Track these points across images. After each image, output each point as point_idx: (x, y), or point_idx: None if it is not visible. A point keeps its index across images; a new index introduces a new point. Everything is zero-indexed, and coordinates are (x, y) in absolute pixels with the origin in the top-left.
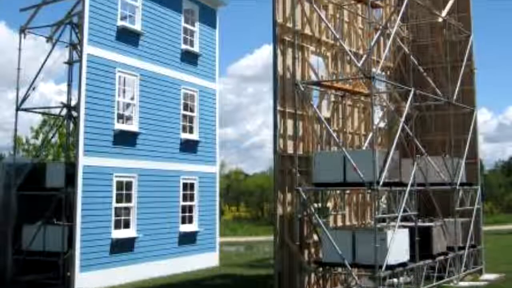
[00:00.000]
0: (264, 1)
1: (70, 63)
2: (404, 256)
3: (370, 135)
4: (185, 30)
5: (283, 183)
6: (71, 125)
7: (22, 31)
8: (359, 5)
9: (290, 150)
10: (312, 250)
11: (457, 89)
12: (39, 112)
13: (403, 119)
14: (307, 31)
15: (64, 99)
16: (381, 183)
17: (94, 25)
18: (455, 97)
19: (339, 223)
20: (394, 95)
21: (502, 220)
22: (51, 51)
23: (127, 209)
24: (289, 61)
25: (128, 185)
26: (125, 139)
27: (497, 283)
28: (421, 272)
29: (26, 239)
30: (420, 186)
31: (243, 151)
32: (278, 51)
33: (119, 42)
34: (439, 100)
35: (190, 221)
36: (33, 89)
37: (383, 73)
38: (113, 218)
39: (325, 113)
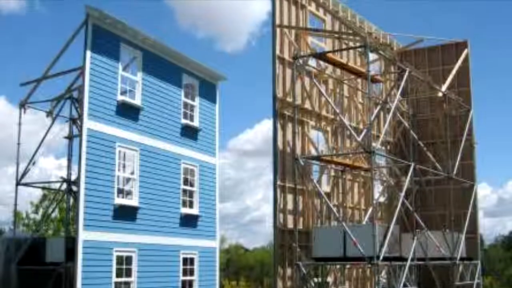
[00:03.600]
0: (265, 75)
1: (70, 137)
2: None
3: (370, 209)
4: (185, 105)
5: (283, 258)
6: (71, 200)
7: (22, 105)
8: (359, 80)
9: (290, 224)
10: None
11: (457, 163)
12: (39, 187)
13: (403, 193)
14: (307, 105)
15: (64, 173)
16: (381, 257)
17: (94, 100)
18: (455, 171)
19: None
20: (394, 169)
21: None
22: (51, 126)
23: (127, 284)
24: (289, 136)
25: (128, 260)
26: (125, 214)
27: None
28: None
29: None
30: (420, 260)
31: (243, 226)
32: (278, 126)
33: (119, 117)
34: (439, 175)
35: None
36: (33, 163)
37: (383, 148)
38: None
39: (325, 187)
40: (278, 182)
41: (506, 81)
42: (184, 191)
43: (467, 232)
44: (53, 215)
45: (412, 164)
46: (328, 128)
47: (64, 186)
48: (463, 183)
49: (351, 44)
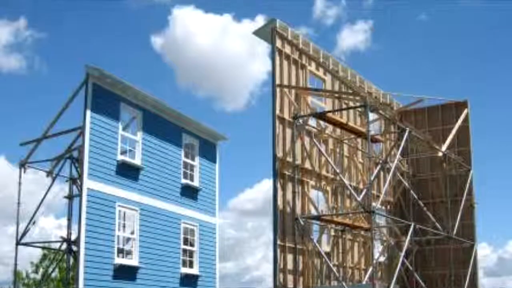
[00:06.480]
0: (264, 135)
1: (70, 197)
2: None
3: (370, 269)
4: (185, 165)
5: None
6: (71, 260)
7: (22, 165)
8: (359, 140)
9: (290, 284)
10: None
11: (457, 223)
12: (39, 247)
13: (403, 253)
14: (307, 165)
15: (64, 233)
16: None
17: (94, 160)
18: (455, 231)
19: None
20: (394, 229)
21: None
22: (51, 186)
23: None
24: (289, 196)
25: None
26: (125, 274)
27: None
28: None
29: None
30: None
31: (244, 285)
32: (278, 186)
33: (119, 177)
34: (439, 235)
35: None
36: (33, 223)
37: (383, 207)
38: None
39: (325, 247)
40: (278, 242)
41: (506, 141)
42: (184, 251)
43: None
44: (53, 274)
45: (412, 224)
46: (328, 188)
47: (64, 245)
48: (463, 243)
49: (351, 103)
